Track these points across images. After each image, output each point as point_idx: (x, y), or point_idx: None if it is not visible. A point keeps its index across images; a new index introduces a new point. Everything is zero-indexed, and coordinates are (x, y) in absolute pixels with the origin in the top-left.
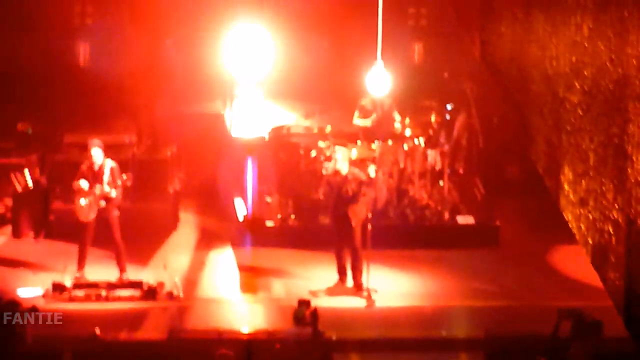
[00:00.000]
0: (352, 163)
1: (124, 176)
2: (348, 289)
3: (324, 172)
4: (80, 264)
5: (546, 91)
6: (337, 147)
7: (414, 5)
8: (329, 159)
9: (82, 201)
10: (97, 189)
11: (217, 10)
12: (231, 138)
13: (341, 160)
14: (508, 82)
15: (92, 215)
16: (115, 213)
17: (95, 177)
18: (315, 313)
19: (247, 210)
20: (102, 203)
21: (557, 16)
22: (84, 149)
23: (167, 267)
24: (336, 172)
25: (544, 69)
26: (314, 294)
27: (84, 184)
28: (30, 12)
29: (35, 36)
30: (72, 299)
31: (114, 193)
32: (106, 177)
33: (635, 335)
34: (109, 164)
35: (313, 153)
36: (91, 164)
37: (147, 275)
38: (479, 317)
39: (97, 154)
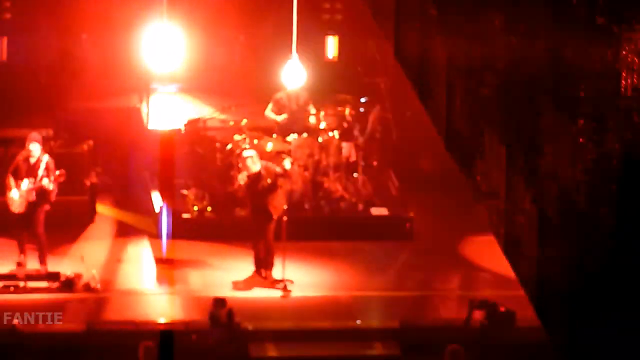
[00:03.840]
0: (268, 156)
1: (57, 172)
2: (264, 280)
3: (240, 182)
4: (23, 254)
5: (460, 85)
6: (245, 153)
7: (329, 0)
8: (242, 167)
9: (14, 193)
10: (31, 182)
11: (132, 6)
12: (147, 131)
13: (252, 164)
14: (422, 76)
15: (22, 208)
16: (46, 207)
17: (30, 170)
18: (230, 313)
19: (164, 202)
20: (32, 195)
21: (470, 10)
22: (8, 143)
23: (85, 259)
24: (250, 175)
25: (458, 63)
26: (236, 284)
27: (10, 180)
28: None
29: None
30: None
31: (51, 187)
32: (41, 171)
33: (547, 324)
34: (45, 158)
35: (229, 146)
36: (27, 157)
37: (65, 267)
38: (394, 307)
39: (35, 148)
